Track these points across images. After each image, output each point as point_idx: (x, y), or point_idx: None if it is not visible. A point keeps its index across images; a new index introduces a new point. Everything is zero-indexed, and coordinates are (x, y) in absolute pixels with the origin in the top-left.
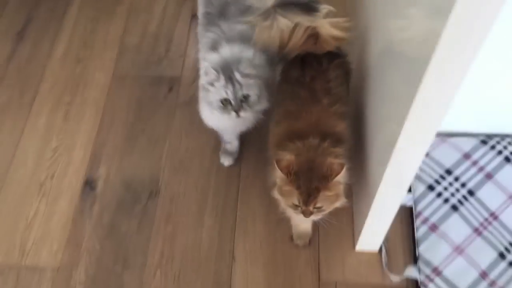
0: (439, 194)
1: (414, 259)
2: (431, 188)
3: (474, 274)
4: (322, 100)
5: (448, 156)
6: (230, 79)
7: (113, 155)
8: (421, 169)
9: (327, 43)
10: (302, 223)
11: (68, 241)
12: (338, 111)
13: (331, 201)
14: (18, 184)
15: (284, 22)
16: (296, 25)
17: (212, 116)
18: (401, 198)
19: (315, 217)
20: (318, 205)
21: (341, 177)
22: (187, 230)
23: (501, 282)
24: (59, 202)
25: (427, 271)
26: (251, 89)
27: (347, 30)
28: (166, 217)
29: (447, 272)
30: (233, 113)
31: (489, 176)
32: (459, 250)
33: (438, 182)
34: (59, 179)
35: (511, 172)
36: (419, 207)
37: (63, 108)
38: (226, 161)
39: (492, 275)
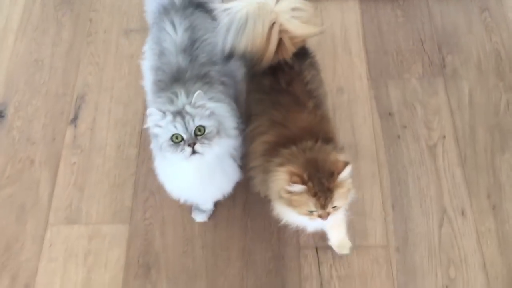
0: None
1: None
2: None
3: None
4: (306, 104)
5: None
6: (178, 113)
7: None
8: None
9: (294, 42)
10: (323, 228)
11: None
12: (324, 113)
13: (345, 197)
14: None
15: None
16: (270, 28)
17: (171, 175)
18: None
19: (332, 217)
20: (335, 204)
21: (348, 172)
22: None
23: None
24: None
25: None
26: (207, 120)
27: (315, 23)
28: None
29: None
30: (187, 149)
31: None
32: None
33: None
34: None
35: None
36: None
37: None
38: (199, 217)
39: None
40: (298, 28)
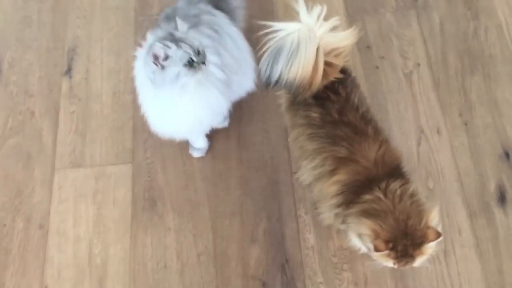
0: None
1: None
2: None
3: None
4: (367, 132)
5: None
6: (176, 40)
7: None
8: None
9: (336, 66)
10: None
11: None
12: (385, 137)
13: (424, 259)
14: None
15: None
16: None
17: (169, 106)
18: None
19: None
20: (415, 265)
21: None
22: None
23: None
24: None
25: None
26: (197, 42)
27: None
28: None
29: None
30: (203, 66)
31: None
32: None
33: None
34: None
35: None
36: None
37: None
38: (196, 153)
39: None
40: (341, 41)
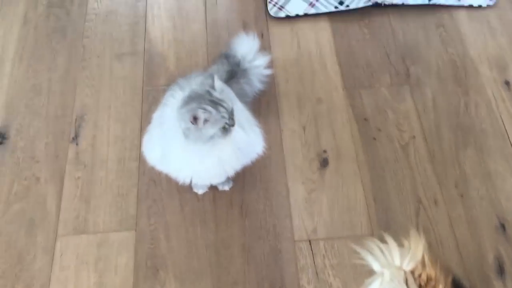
0: None
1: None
2: None
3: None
4: None
5: None
6: (216, 104)
7: None
8: None
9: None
10: None
11: None
12: None
13: None
14: None
15: None
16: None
17: (199, 158)
18: None
19: None
20: None
21: None
22: None
23: None
24: None
25: None
26: (230, 101)
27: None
28: None
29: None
30: (232, 128)
31: None
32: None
33: None
34: None
35: None
36: None
37: None
38: (200, 189)
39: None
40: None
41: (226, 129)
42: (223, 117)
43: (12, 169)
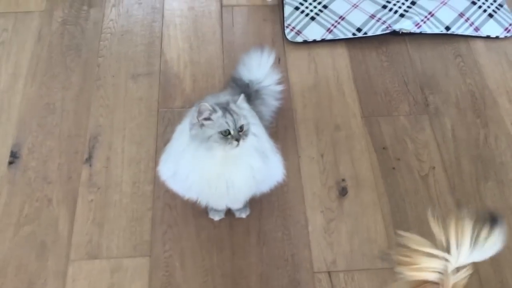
0: (302, 11)
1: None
2: (296, 8)
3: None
4: None
5: None
6: (226, 110)
7: None
8: None
9: None
10: None
11: None
12: None
13: None
14: None
15: None
16: None
17: (202, 162)
18: None
19: None
20: None
21: None
22: None
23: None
24: None
25: None
26: (245, 120)
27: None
28: None
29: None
30: (235, 143)
31: None
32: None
33: (301, 4)
34: None
35: None
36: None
37: None
38: (216, 216)
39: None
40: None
41: (226, 138)
42: (227, 123)
43: (24, 190)
